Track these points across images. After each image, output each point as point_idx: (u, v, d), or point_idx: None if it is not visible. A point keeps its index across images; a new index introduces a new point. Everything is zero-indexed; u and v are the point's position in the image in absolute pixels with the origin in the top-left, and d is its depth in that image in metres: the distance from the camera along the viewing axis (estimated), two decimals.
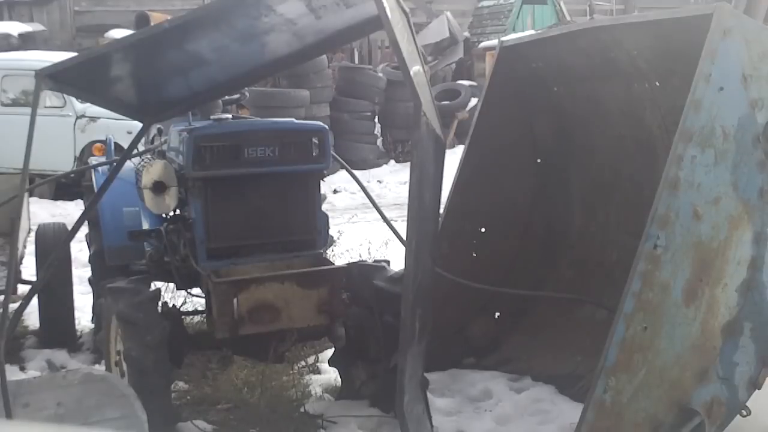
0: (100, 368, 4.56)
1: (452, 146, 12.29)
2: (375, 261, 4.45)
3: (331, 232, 4.89)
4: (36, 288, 4.01)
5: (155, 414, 3.35)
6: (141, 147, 5.11)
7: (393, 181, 12.67)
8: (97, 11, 18.76)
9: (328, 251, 5.02)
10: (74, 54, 5.61)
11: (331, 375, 4.63)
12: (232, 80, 4.45)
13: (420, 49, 3.91)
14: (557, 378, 4.44)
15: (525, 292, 4.77)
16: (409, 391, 3.45)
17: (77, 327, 5.44)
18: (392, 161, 13.99)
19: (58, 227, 5.51)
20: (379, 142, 14.35)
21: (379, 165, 13.66)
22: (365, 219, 9.24)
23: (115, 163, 4.52)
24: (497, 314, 5.00)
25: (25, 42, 16.02)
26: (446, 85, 15.32)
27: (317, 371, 4.82)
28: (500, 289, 4.79)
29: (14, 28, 16.85)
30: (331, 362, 4.49)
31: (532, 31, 12.06)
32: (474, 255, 4.99)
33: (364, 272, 4.17)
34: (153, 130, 5.00)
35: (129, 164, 4.52)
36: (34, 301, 4.82)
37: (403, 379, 3.34)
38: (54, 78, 3.46)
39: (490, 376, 4.59)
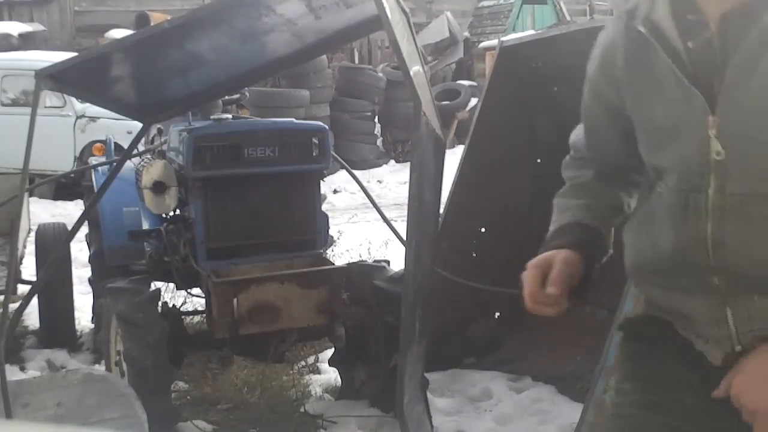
0: (100, 368, 4.56)
1: (452, 146, 12.28)
2: (375, 261, 4.45)
3: (331, 232, 4.89)
4: (36, 288, 4.02)
5: (155, 414, 3.35)
6: (141, 147, 5.11)
7: (393, 181, 12.66)
8: (97, 11, 18.76)
9: (328, 251, 5.02)
10: (74, 54, 5.61)
11: (331, 375, 4.63)
12: (232, 80, 4.45)
13: (420, 49, 3.91)
14: (557, 378, 4.43)
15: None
16: (409, 391, 3.45)
17: (77, 327, 5.44)
18: (392, 161, 13.99)
19: (58, 227, 5.51)
20: (379, 142, 14.35)
21: (379, 165, 13.65)
22: (365, 219, 9.24)
23: (115, 163, 4.52)
24: (497, 314, 4.99)
25: (25, 42, 16.03)
26: (446, 85, 15.31)
27: (317, 371, 4.82)
28: (500, 289, 4.78)
29: (14, 28, 16.86)
30: (331, 362, 4.49)
31: (532, 31, 12.07)
32: (474, 255, 4.98)
33: (364, 272, 4.16)
34: (153, 130, 5.00)
35: (129, 164, 4.52)
36: (34, 301, 4.82)
37: (403, 379, 3.33)
38: (54, 78, 3.46)
39: (490, 376, 4.59)
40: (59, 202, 10.71)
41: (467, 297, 4.76)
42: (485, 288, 4.71)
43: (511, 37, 5.67)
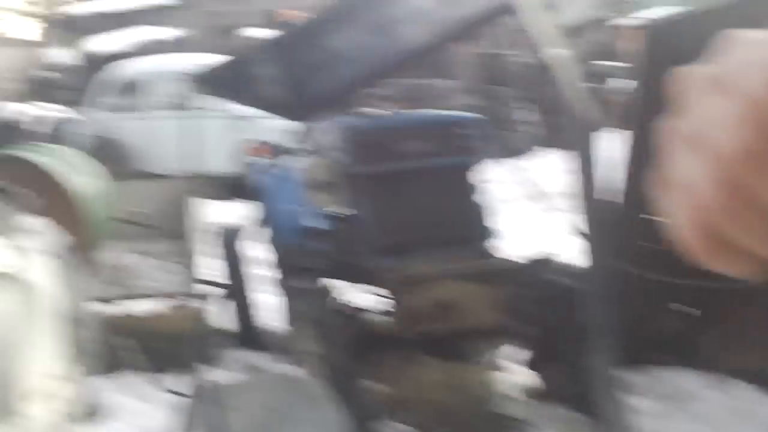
0: (292, 369, 4.58)
1: (607, 130, 11.85)
2: (549, 255, 4.28)
3: (492, 224, 4.76)
4: (232, 290, 4.05)
5: (349, 415, 3.34)
6: (300, 146, 5.15)
7: (548, 170, 12.32)
8: (231, 11, 19.28)
9: (493, 245, 4.89)
10: (221, 57, 5.70)
11: (521, 376, 4.48)
12: (377, 74, 4.38)
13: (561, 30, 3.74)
14: (760, 376, 4.16)
15: (718, 285, 4.49)
16: (603, 391, 3.33)
17: (266, 327, 5.48)
18: (544, 149, 13.61)
19: (238, 228, 5.60)
20: (532, 128, 14.00)
21: (530, 152, 13.32)
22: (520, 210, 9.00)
23: (280, 163, 4.57)
24: (689, 308, 4.72)
25: (172, 46, 16.65)
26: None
27: (507, 371, 4.69)
28: (686, 282, 4.52)
29: (161, 33, 17.62)
30: (521, 363, 4.35)
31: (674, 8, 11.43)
32: (658, 246, 4.73)
33: (542, 268, 4.01)
34: (311, 129, 5.03)
35: (296, 164, 4.56)
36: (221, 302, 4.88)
37: (596, 379, 3.22)
38: (208, 81, 3.52)
39: (686, 375, 4.35)
40: (226, 203, 10.99)
41: (658, 291, 4.52)
42: (671, 281, 4.47)
43: (649, 13, 5.34)
